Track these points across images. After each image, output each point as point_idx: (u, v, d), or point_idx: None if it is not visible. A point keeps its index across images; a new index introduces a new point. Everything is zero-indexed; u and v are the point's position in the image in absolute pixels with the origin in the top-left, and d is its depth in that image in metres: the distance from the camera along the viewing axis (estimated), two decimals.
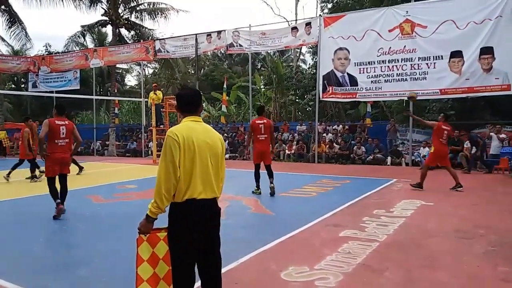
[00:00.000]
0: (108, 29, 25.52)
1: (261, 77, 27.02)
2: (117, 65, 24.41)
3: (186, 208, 2.37)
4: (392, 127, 14.72)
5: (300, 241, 4.72)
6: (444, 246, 4.47)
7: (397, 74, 12.83)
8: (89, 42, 28.46)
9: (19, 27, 23.01)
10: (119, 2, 21.79)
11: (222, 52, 24.91)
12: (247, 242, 4.59)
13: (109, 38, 27.07)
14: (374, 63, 13.18)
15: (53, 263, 4.08)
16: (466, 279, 3.53)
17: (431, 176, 8.81)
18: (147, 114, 20.85)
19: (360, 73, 13.44)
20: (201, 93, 2.76)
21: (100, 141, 21.40)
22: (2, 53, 25.16)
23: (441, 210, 6.42)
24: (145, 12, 22.54)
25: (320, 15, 17.90)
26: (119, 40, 22.15)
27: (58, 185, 6.06)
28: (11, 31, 23.03)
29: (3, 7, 22.28)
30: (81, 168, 11.46)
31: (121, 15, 21.87)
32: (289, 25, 18.10)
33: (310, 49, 25.18)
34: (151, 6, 22.58)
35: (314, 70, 19.47)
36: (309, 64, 28.22)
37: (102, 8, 21.78)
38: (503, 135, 11.75)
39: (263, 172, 7.83)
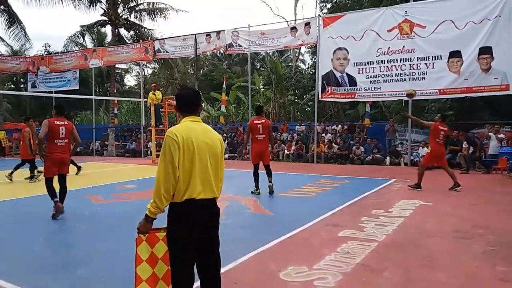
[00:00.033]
0: (108, 29, 25.54)
1: (260, 77, 26.99)
2: (117, 65, 24.35)
3: (185, 208, 2.37)
4: (391, 127, 14.74)
5: (299, 241, 4.73)
6: (443, 246, 4.48)
7: (396, 74, 12.83)
8: (88, 42, 28.44)
9: (18, 27, 22.97)
10: (119, 2, 21.76)
11: (222, 52, 24.99)
12: (246, 242, 4.59)
13: (109, 38, 27.03)
14: (373, 63, 13.17)
15: (52, 263, 4.08)
16: (465, 279, 3.54)
17: (429, 176, 8.83)
18: (146, 114, 20.84)
19: (359, 73, 13.45)
20: (201, 93, 2.77)
21: (100, 141, 21.43)
22: (1, 53, 25.08)
23: (439, 210, 6.42)
24: (145, 12, 22.51)
25: (319, 15, 17.92)
26: (118, 40, 22.13)
27: (57, 186, 6.07)
28: (10, 31, 23.03)
29: (2, 7, 22.23)
30: (79, 168, 11.46)
31: (120, 15, 21.84)
32: (288, 25, 18.09)
33: (309, 49, 25.17)
34: (150, 6, 22.56)
35: (313, 70, 19.49)
36: (308, 64, 28.21)
37: (101, 8, 21.79)
38: (501, 135, 11.79)
39: (262, 172, 7.83)
